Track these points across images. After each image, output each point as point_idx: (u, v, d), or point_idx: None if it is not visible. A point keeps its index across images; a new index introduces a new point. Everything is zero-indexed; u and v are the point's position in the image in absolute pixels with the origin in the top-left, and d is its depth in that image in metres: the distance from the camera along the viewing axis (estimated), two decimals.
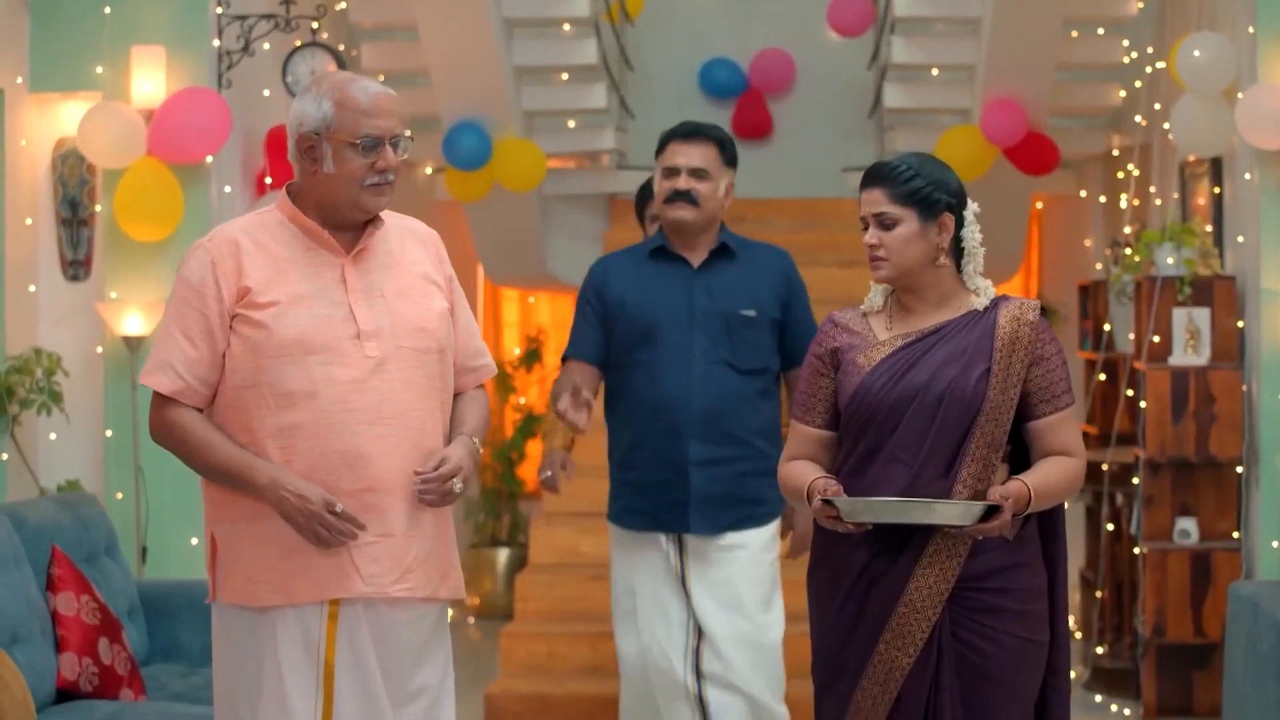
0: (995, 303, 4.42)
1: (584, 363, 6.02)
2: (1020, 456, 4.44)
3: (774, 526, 6.01)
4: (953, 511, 4.22)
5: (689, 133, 5.91)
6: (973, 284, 4.44)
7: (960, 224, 4.42)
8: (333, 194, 4.27)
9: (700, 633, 5.87)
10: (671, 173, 5.88)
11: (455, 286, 4.49)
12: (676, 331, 5.90)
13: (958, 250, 4.43)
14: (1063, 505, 4.49)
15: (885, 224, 4.37)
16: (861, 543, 4.36)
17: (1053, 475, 4.34)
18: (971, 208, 4.45)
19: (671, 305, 5.92)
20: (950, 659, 4.32)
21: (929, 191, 4.37)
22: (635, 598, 5.97)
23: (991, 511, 4.22)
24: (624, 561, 6.05)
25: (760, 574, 5.93)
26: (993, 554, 4.33)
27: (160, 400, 4.28)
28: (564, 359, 6.06)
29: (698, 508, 5.88)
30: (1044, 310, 4.44)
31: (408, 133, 4.30)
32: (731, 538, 5.91)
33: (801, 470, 4.46)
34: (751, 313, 5.91)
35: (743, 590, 5.89)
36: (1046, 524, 4.47)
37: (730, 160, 5.94)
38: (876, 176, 4.41)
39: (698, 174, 5.86)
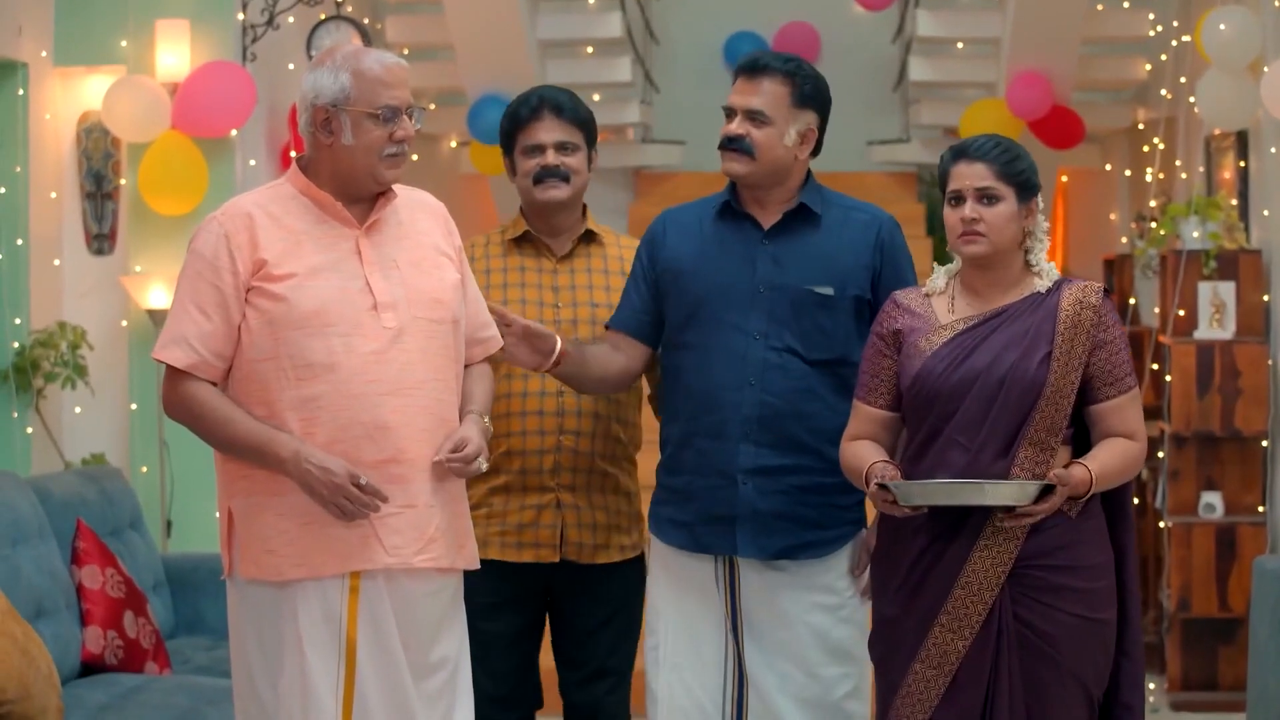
0: (1058, 285, 4.39)
1: (620, 334, 4.93)
2: (1082, 439, 4.41)
3: (844, 557, 4.82)
4: (1005, 491, 4.20)
5: (749, 66, 4.83)
6: (1036, 266, 4.42)
7: None
8: (351, 165, 4.26)
9: (743, 678, 4.80)
10: (728, 114, 4.81)
11: (463, 258, 4.49)
12: (731, 309, 4.77)
13: None
14: (1130, 485, 4.46)
15: (988, 199, 4.33)
16: (920, 528, 4.34)
17: (1114, 459, 4.32)
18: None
19: (728, 276, 4.79)
20: (1011, 639, 4.29)
21: (1029, 175, 4.36)
22: (662, 626, 4.91)
23: (1046, 491, 4.21)
24: (657, 581, 4.97)
25: (826, 620, 4.81)
26: (1053, 530, 4.30)
27: (174, 375, 4.24)
28: (605, 327, 4.99)
29: (746, 526, 4.75)
30: (1105, 292, 4.40)
31: (431, 105, 4.30)
32: (793, 569, 4.79)
33: (861, 451, 4.44)
34: (828, 290, 4.75)
35: (804, 637, 4.80)
36: (1114, 503, 4.44)
37: (805, 100, 4.84)
38: (977, 152, 4.36)
39: (755, 117, 4.76)
